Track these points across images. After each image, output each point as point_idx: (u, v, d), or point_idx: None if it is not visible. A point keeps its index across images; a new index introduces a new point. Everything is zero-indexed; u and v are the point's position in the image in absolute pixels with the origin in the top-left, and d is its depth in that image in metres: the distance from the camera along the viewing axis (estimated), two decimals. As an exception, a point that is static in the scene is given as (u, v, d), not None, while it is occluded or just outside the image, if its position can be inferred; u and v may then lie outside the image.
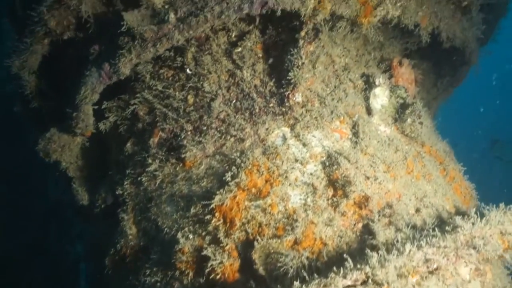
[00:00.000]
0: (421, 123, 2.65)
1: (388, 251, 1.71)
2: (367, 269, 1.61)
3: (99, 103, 2.64)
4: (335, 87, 2.58)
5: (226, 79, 2.51)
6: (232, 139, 2.34)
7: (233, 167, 2.18)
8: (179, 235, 2.14)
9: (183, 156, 2.36)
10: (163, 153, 2.49)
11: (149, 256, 2.33)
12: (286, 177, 2.17)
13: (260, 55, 2.52)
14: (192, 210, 2.18)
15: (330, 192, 2.14)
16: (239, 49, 2.53)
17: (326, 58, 2.62)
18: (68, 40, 2.57)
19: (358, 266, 1.63)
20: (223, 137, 2.36)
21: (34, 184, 6.60)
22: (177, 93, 2.57)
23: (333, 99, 2.50)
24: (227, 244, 2.02)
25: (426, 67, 3.91)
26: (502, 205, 1.94)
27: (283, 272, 1.82)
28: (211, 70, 2.52)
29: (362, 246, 1.93)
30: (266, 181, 2.16)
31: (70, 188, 3.16)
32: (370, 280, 1.60)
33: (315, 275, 1.66)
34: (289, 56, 2.31)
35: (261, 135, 2.32)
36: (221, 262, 1.98)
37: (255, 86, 2.46)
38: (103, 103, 2.72)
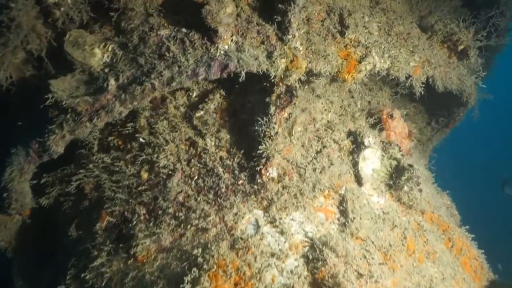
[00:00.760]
0: (420, 190, 2.25)
1: None
2: None
3: (38, 177, 2.20)
4: (316, 152, 2.17)
5: (186, 149, 2.09)
6: (193, 229, 1.90)
7: (194, 269, 1.75)
8: None
9: (133, 252, 1.91)
10: (111, 243, 2.04)
11: None
12: (260, 278, 1.74)
13: (226, 119, 2.11)
14: None
15: (316, 297, 1.71)
16: (201, 113, 2.12)
17: (305, 116, 2.22)
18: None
19: None
20: (182, 225, 1.92)
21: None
22: (128, 166, 2.14)
23: (315, 169, 2.09)
24: None
25: (418, 106, 3.56)
26: None
27: None
28: (168, 139, 2.09)
29: None
30: (236, 286, 1.72)
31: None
32: None
33: None
34: (258, 127, 1.90)
35: (229, 223, 1.89)
36: None
37: (221, 158, 2.04)
38: (42, 176, 2.28)
